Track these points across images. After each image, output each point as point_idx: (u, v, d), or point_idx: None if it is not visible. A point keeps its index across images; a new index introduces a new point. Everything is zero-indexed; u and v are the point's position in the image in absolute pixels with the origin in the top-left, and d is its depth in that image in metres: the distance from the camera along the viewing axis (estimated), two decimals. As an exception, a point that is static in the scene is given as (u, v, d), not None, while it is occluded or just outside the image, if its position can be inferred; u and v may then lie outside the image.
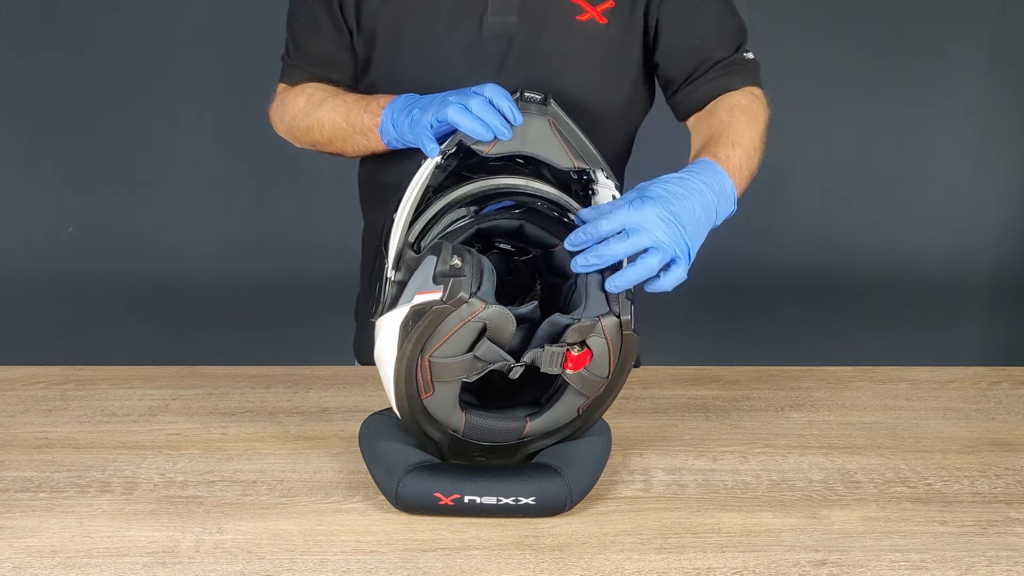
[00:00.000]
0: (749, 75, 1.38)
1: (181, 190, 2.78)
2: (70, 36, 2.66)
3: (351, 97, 1.36)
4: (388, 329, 1.02)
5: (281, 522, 1.02)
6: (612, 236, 1.04)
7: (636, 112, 1.45)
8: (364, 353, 1.58)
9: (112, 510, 1.04)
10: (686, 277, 1.08)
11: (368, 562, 0.95)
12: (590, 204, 1.13)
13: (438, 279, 0.97)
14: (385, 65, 1.37)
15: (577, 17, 1.34)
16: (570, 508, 1.03)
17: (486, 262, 1.00)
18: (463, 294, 0.96)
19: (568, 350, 0.99)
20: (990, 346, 2.96)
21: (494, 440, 1.05)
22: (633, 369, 1.07)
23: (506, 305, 0.99)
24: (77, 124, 2.72)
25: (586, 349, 1.00)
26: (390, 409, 1.14)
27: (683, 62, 1.38)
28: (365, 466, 1.07)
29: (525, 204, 1.12)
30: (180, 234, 2.80)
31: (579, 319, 0.99)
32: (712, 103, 1.36)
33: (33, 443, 1.19)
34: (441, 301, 0.96)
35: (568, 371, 1.01)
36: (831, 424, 1.27)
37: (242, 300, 2.83)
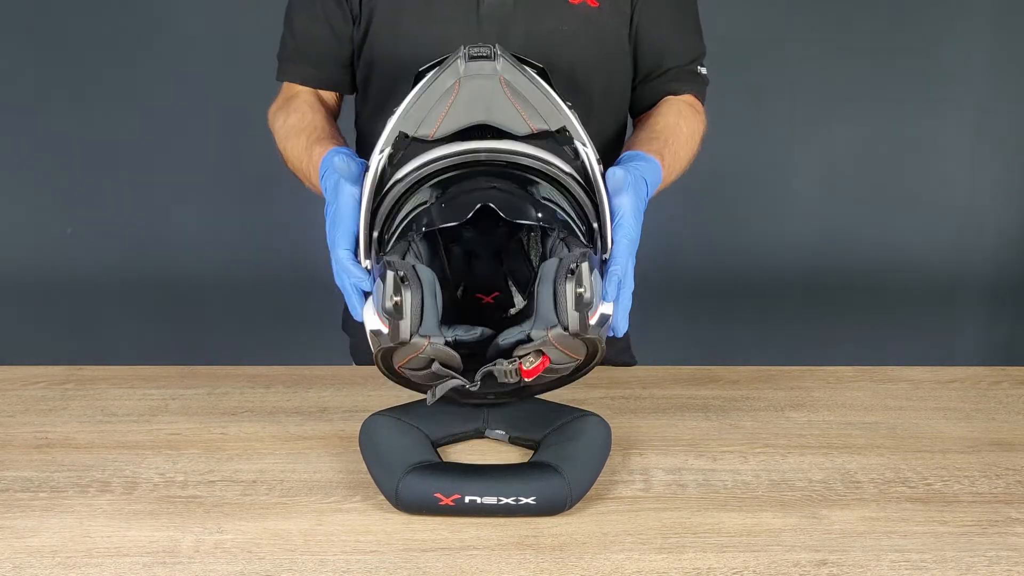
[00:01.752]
0: (696, 86, 1.46)
1: (181, 190, 2.77)
2: (69, 36, 2.66)
3: (307, 139, 1.33)
4: (368, 311, 1.04)
5: (281, 522, 1.02)
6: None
7: (624, 99, 1.48)
8: (361, 358, 1.57)
9: (112, 510, 1.04)
10: None
11: (368, 562, 0.95)
12: (580, 164, 1.05)
13: (382, 314, 0.99)
14: (384, 43, 1.39)
15: (569, 0, 1.37)
16: (570, 507, 1.03)
17: (427, 284, 0.98)
18: (404, 336, 0.98)
19: (520, 364, 1.01)
20: (990, 346, 2.96)
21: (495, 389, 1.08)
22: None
23: (467, 294, 1.02)
24: (77, 124, 2.71)
25: (542, 357, 1.01)
26: (390, 409, 1.15)
27: (643, 60, 1.44)
28: (365, 466, 1.07)
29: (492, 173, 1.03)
30: (180, 234, 2.80)
31: (528, 334, 1.01)
32: (659, 103, 1.44)
33: (33, 443, 1.19)
34: (387, 337, 0.99)
35: (527, 379, 1.02)
36: (831, 424, 1.27)
37: (242, 300, 2.83)
